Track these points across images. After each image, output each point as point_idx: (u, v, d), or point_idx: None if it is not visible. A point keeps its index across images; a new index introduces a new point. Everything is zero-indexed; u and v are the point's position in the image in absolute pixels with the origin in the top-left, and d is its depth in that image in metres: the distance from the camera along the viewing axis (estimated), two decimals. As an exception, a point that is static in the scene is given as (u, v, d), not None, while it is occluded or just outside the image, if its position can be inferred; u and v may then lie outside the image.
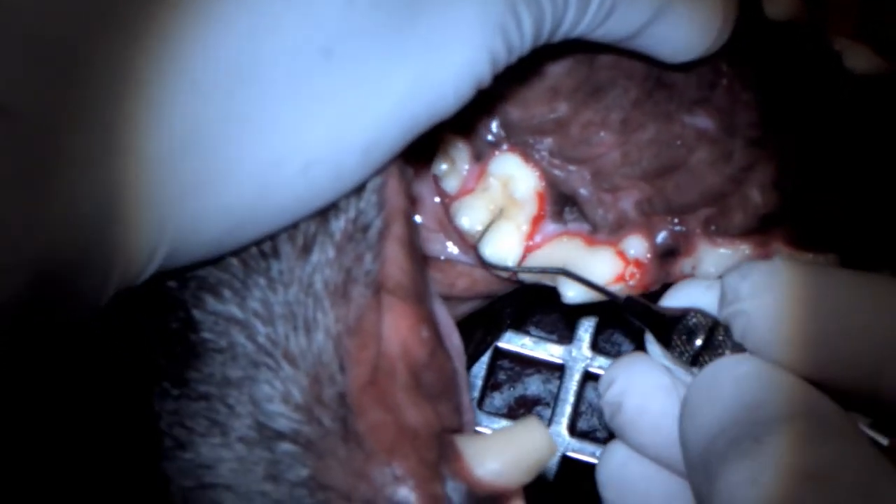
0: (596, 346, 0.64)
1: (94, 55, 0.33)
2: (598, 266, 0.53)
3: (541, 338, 0.65)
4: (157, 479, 0.42)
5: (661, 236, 0.53)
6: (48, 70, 0.33)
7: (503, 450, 0.43)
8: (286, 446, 0.41)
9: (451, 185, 0.55)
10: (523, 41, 0.41)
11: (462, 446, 0.43)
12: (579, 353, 0.63)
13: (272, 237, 0.41)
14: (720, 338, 0.44)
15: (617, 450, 0.47)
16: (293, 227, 0.41)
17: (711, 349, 0.44)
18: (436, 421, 0.43)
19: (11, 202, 0.32)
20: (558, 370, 0.66)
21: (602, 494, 0.47)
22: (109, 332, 0.40)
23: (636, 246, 0.53)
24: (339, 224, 0.43)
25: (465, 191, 0.56)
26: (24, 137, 0.32)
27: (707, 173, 0.53)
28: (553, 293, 0.55)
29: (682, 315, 0.45)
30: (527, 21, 0.40)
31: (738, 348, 0.43)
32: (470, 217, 0.55)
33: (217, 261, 0.41)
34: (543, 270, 0.53)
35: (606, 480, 0.47)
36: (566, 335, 0.69)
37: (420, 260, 0.47)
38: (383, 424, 0.42)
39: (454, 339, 0.48)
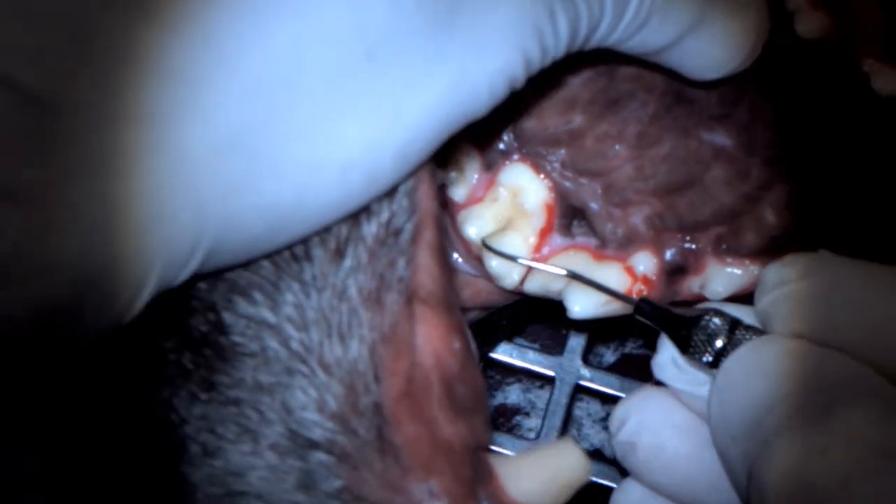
0: (585, 359, 0.65)
1: (139, 52, 0.33)
2: (604, 280, 0.53)
3: (525, 347, 0.66)
4: (181, 485, 0.41)
5: (671, 253, 0.53)
6: (89, 64, 0.32)
7: (539, 471, 0.43)
8: (320, 456, 0.41)
9: (459, 193, 0.55)
10: (558, 44, 0.41)
11: (496, 465, 0.43)
12: (570, 365, 0.63)
13: (304, 240, 0.41)
14: (743, 337, 0.42)
15: (632, 488, 0.47)
16: (325, 230, 0.41)
17: (734, 349, 0.42)
18: (470, 437, 0.43)
19: (51, 203, 0.32)
20: (539, 379, 0.67)
21: None
22: (133, 332, 0.38)
23: (645, 262, 0.53)
24: (371, 228, 0.42)
25: (473, 200, 0.55)
26: (63, 133, 0.32)
27: (722, 191, 0.53)
28: (547, 305, 0.55)
29: (699, 316, 0.44)
30: (563, 24, 0.40)
31: None
32: (477, 227, 0.55)
33: (248, 263, 0.41)
34: (551, 271, 0.53)
35: None
36: (549, 344, 0.69)
37: (450, 266, 0.46)
38: (420, 438, 0.41)
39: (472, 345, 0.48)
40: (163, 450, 0.42)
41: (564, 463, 0.42)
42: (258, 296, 0.41)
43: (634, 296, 0.53)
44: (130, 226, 0.33)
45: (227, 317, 0.41)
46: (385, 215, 0.43)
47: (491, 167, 0.55)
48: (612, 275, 0.54)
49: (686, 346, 0.44)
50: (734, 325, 0.43)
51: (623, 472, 0.49)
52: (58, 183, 0.32)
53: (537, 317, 0.64)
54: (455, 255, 0.56)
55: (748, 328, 0.42)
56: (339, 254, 0.42)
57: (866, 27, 0.50)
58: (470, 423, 0.43)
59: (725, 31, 0.47)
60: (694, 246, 0.53)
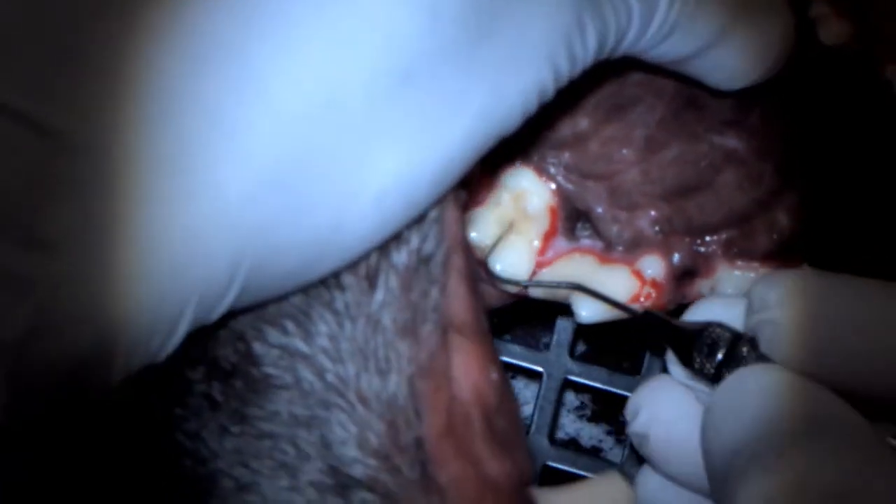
0: (572, 353, 0.65)
1: (170, 90, 0.32)
2: (613, 285, 0.53)
3: (504, 341, 0.66)
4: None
5: (679, 256, 0.54)
6: (116, 104, 0.32)
7: None
8: (363, 495, 0.40)
9: (461, 196, 0.54)
10: (586, 55, 0.41)
11: (544, 501, 0.43)
12: (558, 360, 0.64)
13: None
14: (743, 351, 0.43)
15: (651, 477, 0.47)
16: None
17: (734, 363, 0.43)
18: (515, 473, 0.43)
19: (84, 250, 0.31)
20: (520, 371, 0.67)
21: None
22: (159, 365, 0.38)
23: (653, 265, 0.53)
24: (401, 257, 0.42)
25: (475, 203, 0.55)
26: (95, 177, 0.31)
27: (733, 196, 0.53)
28: (531, 303, 0.55)
29: (701, 329, 0.44)
30: (591, 35, 0.40)
31: (763, 361, 0.42)
32: (479, 231, 0.54)
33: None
34: (557, 285, 0.53)
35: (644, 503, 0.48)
36: (520, 335, 0.70)
37: (479, 292, 0.46)
38: (465, 476, 0.41)
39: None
40: (190, 484, 0.41)
41: (612, 497, 0.43)
42: (290, 325, 0.41)
43: (643, 299, 0.53)
44: (164, 267, 0.33)
45: (258, 347, 0.41)
46: (415, 242, 0.42)
47: (493, 170, 0.55)
48: (620, 278, 0.54)
49: (689, 359, 0.44)
50: (736, 338, 0.43)
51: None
52: (90, 229, 0.31)
53: (513, 309, 0.65)
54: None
55: (750, 342, 0.43)
56: (371, 283, 0.41)
57: (888, 34, 0.51)
58: (513, 457, 0.43)
59: (751, 43, 0.47)
60: (703, 249, 0.54)
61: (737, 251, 0.53)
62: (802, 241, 0.53)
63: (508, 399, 0.45)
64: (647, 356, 0.64)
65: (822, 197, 0.53)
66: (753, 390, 0.41)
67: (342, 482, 0.40)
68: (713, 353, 0.43)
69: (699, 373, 0.44)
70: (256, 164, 0.34)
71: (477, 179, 0.55)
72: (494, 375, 0.44)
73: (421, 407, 0.41)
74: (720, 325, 0.44)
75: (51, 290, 0.31)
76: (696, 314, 0.47)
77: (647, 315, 0.48)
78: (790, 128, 0.53)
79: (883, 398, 0.40)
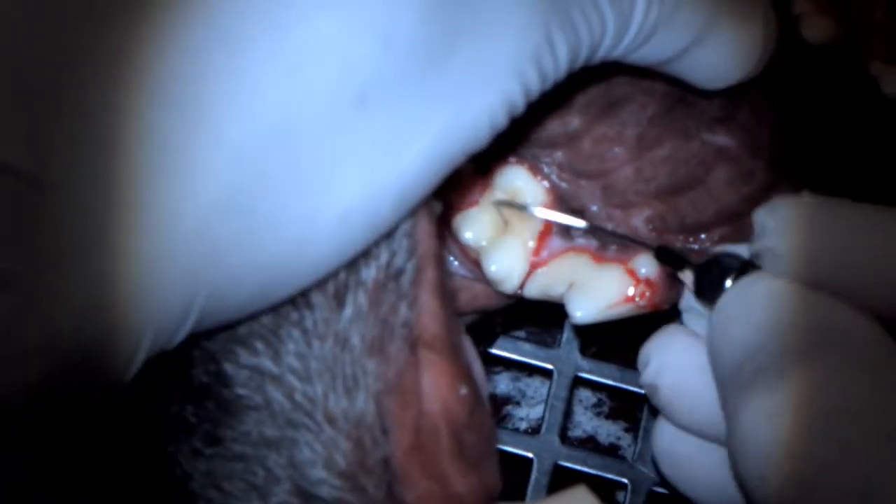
0: (585, 350, 0.66)
1: (119, 123, 0.33)
2: (607, 284, 0.54)
3: (516, 338, 0.67)
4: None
5: (674, 255, 0.55)
6: (69, 139, 0.33)
7: None
8: None
9: (453, 196, 0.56)
10: (558, 68, 0.41)
11: None
12: (568, 357, 0.65)
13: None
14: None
15: (664, 429, 0.49)
16: None
17: None
18: (481, 489, 0.44)
19: (42, 284, 0.32)
20: (527, 368, 0.69)
21: (659, 468, 0.50)
22: (133, 386, 0.40)
23: (647, 264, 0.54)
24: (370, 272, 0.43)
25: (469, 203, 0.56)
26: (50, 211, 0.32)
27: (725, 193, 0.54)
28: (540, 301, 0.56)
29: (712, 259, 0.46)
30: (562, 48, 0.40)
31: None
32: (474, 231, 0.56)
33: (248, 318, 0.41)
34: (565, 221, 0.54)
35: (660, 456, 0.49)
36: (535, 331, 0.71)
37: (453, 306, 0.47)
38: (431, 495, 0.43)
39: (479, 374, 0.49)
40: (172, 504, 0.43)
41: (579, 512, 0.44)
42: (259, 345, 0.42)
43: (637, 299, 0.54)
44: (122, 298, 0.34)
45: (229, 367, 0.42)
46: (384, 258, 0.43)
47: (486, 169, 0.56)
48: (614, 277, 0.55)
49: (699, 288, 0.46)
50: (744, 266, 0.45)
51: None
52: (48, 262, 0.32)
53: (524, 305, 0.66)
54: (451, 259, 0.57)
55: (758, 270, 0.44)
56: (340, 300, 0.42)
57: (874, 30, 0.51)
58: (480, 474, 0.44)
59: (733, 42, 0.47)
60: (697, 247, 0.54)
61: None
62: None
63: (480, 414, 0.46)
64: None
65: (812, 192, 0.53)
66: (760, 297, 0.42)
67: (310, 503, 0.42)
68: (722, 280, 0.45)
69: (709, 301, 0.46)
70: (208, 193, 0.35)
71: (470, 179, 0.56)
72: (464, 391, 0.44)
73: (388, 425, 0.42)
74: (730, 255, 0.46)
75: (12, 321, 0.32)
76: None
77: (661, 249, 0.51)
78: (780, 124, 0.54)
79: (884, 317, 0.40)
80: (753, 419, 0.38)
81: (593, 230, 0.54)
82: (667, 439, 0.49)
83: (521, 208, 0.55)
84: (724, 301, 0.44)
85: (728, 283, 0.45)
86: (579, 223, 0.54)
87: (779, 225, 0.42)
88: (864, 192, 0.51)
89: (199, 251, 0.35)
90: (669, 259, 0.51)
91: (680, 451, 0.49)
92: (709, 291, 0.46)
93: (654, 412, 0.53)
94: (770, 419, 0.38)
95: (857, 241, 0.41)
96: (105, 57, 0.34)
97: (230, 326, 0.41)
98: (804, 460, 0.37)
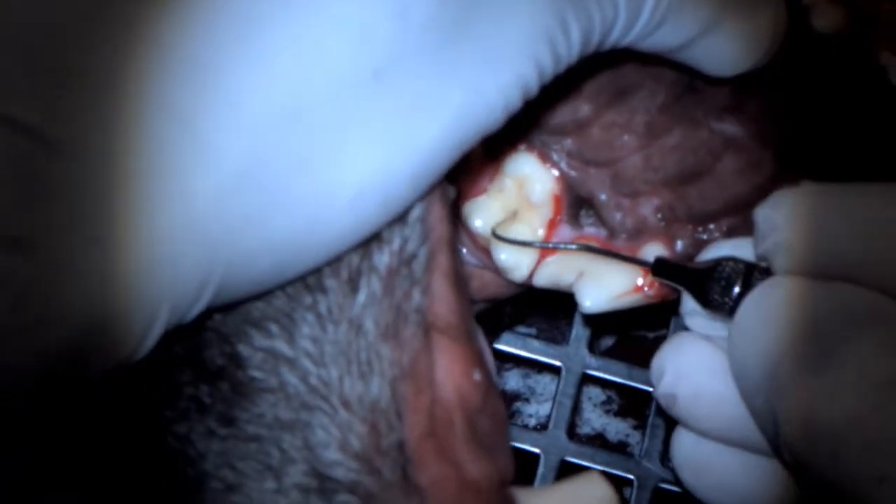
0: (592, 348, 0.69)
1: (137, 93, 0.35)
2: (615, 274, 0.56)
3: (525, 335, 0.69)
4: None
5: (682, 244, 0.56)
6: (87, 106, 0.34)
7: None
8: (345, 497, 0.43)
9: (464, 184, 0.57)
10: (571, 51, 0.43)
11: (524, 500, 0.46)
12: (576, 354, 0.67)
13: (316, 269, 0.43)
14: (759, 281, 0.45)
15: (684, 437, 0.50)
16: (337, 259, 0.43)
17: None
18: (495, 474, 0.46)
19: (56, 250, 0.34)
20: (536, 365, 0.71)
21: (680, 477, 0.50)
22: (145, 366, 0.42)
23: (656, 253, 0.55)
24: (383, 258, 0.44)
25: (479, 191, 0.58)
26: (66, 177, 0.34)
27: (734, 182, 0.56)
28: (551, 294, 0.58)
29: (713, 266, 0.47)
30: (575, 31, 0.42)
31: None
32: (484, 219, 0.57)
33: (261, 294, 0.43)
34: (563, 248, 0.56)
35: (680, 464, 0.50)
36: (545, 328, 0.73)
37: (466, 292, 0.49)
38: (446, 479, 0.44)
39: (490, 363, 0.52)
40: (180, 485, 0.45)
41: (592, 496, 0.46)
42: (274, 328, 0.43)
43: (646, 289, 0.56)
44: (136, 269, 0.35)
45: (243, 349, 0.44)
46: (397, 243, 0.44)
47: (496, 156, 0.58)
48: (622, 267, 0.56)
49: (706, 299, 0.47)
50: (749, 270, 0.46)
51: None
52: (62, 229, 0.34)
53: (534, 301, 0.68)
54: (461, 248, 0.59)
55: (764, 271, 0.46)
56: (353, 285, 0.44)
57: (883, 20, 0.54)
58: (494, 458, 0.46)
59: (742, 30, 0.49)
60: (706, 236, 0.56)
61: (738, 237, 0.55)
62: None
63: (493, 400, 0.47)
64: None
65: (821, 181, 0.55)
66: (781, 298, 0.43)
67: (325, 485, 0.43)
68: (729, 287, 0.46)
69: (719, 309, 0.47)
70: (224, 168, 0.36)
71: (479, 167, 0.58)
72: (478, 376, 0.46)
73: (403, 409, 0.44)
74: (731, 259, 0.47)
75: (24, 288, 0.33)
76: (708, 252, 0.50)
77: (659, 262, 0.52)
78: (788, 114, 0.55)
79: None
80: (812, 404, 0.39)
81: (586, 249, 0.56)
82: (687, 447, 0.50)
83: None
84: (743, 312, 0.45)
85: (736, 289, 0.46)
86: (570, 247, 0.56)
87: (786, 218, 0.44)
88: (871, 180, 0.53)
89: (215, 225, 0.37)
90: (667, 273, 0.51)
91: (701, 457, 0.50)
92: (717, 300, 0.47)
93: (663, 411, 0.55)
94: (833, 397, 0.39)
95: (867, 222, 0.43)
96: (122, 28, 0.35)
97: (242, 303, 0.43)
98: (874, 430, 0.38)
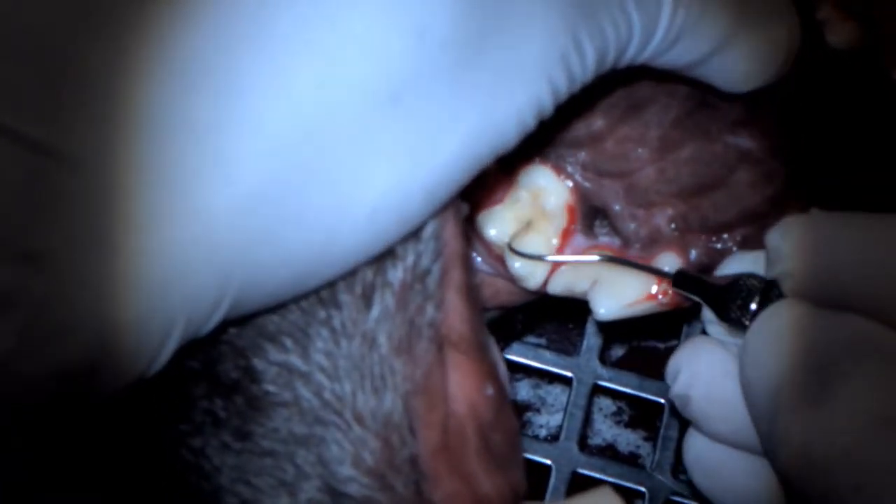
0: (603, 359, 0.69)
1: (157, 107, 0.36)
2: (629, 282, 0.57)
3: (536, 345, 0.70)
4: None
5: (696, 253, 0.57)
6: (104, 121, 0.35)
7: None
8: None
9: (479, 194, 0.58)
10: (585, 71, 0.43)
11: None
12: (587, 365, 0.68)
13: (330, 285, 0.44)
14: (777, 298, 0.46)
15: (696, 439, 0.51)
16: (351, 274, 0.44)
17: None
18: (508, 490, 0.46)
19: (72, 265, 0.34)
20: (549, 375, 0.72)
21: (692, 478, 0.51)
22: (161, 380, 0.42)
23: (670, 263, 0.56)
24: (397, 273, 0.45)
25: (494, 201, 0.59)
26: (82, 192, 0.34)
27: (747, 194, 0.56)
28: (556, 300, 0.59)
29: (733, 281, 0.48)
30: (589, 51, 0.43)
31: None
32: (498, 229, 0.58)
33: (275, 308, 0.44)
34: (585, 261, 0.57)
35: (692, 466, 0.51)
36: (556, 339, 0.74)
37: (480, 306, 0.49)
38: (459, 494, 0.45)
39: (503, 375, 0.52)
40: (195, 499, 0.46)
41: (604, 513, 0.47)
42: (288, 342, 0.44)
43: (660, 297, 0.57)
44: (151, 284, 0.36)
45: (258, 363, 0.44)
46: (410, 259, 0.45)
47: (511, 169, 0.58)
48: (636, 275, 0.57)
49: (725, 313, 0.48)
50: (768, 286, 0.47)
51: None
52: (77, 244, 0.34)
53: (544, 312, 0.69)
54: (475, 256, 0.59)
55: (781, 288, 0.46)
56: (367, 300, 0.44)
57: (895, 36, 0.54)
58: (506, 473, 0.46)
59: (756, 47, 0.49)
60: (720, 246, 0.57)
61: (752, 248, 0.56)
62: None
63: (505, 414, 0.48)
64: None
65: (832, 195, 0.56)
66: (787, 325, 0.44)
67: (338, 501, 0.44)
68: (747, 304, 0.47)
69: (736, 325, 0.48)
70: (243, 184, 0.37)
71: (494, 178, 0.59)
72: (490, 391, 0.47)
73: (416, 424, 0.45)
74: (751, 276, 0.48)
75: (38, 304, 0.34)
76: (727, 269, 0.51)
77: (679, 274, 0.53)
78: (801, 128, 0.56)
79: None
80: (808, 437, 0.40)
81: (610, 259, 0.57)
82: (698, 449, 0.51)
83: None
84: (750, 336, 0.46)
85: (754, 305, 0.47)
86: (592, 258, 0.57)
87: (793, 248, 0.45)
88: (886, 196, 0.54)
89: (232, 240, 0.37)
90: (687, 285, 0.52)
91: (712, 460, 0.51)
92: (735, 316, 0.48)
93: (675, 420, 0.56)
94: (824, 432, 0.40)
95: (872, 254, 0.43)
96: (138, 43, 0.36)
97: (257, 316, 0.44)
98: (865, 468, 0.39)
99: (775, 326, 0.45)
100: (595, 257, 0.57)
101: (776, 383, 0.43)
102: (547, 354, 0.68)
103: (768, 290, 0.47)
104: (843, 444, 0.39)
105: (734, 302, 0.48)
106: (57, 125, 0.34)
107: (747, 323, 0.47)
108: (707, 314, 0.51)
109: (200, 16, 0.36)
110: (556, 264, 0.58)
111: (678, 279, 0.52)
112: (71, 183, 0.34)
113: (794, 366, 0.42)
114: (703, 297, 0.50)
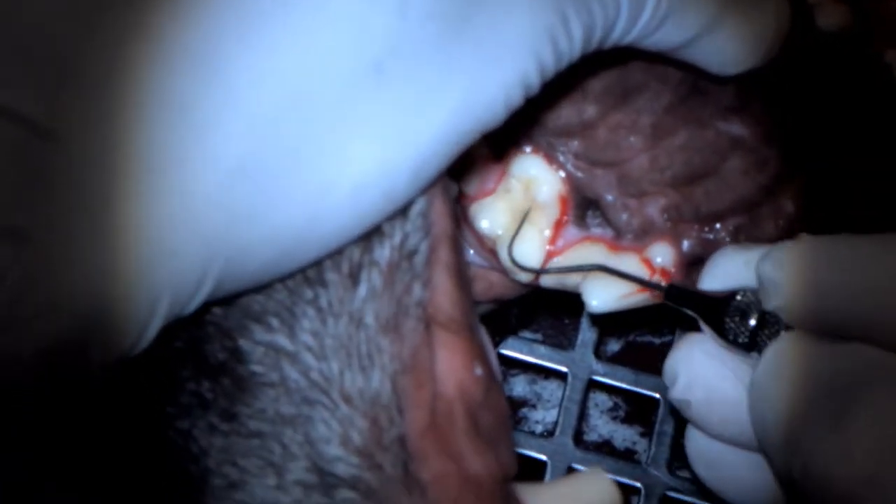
0: (599, 353, 0.70)
1: (139, 85, 0.36)
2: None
3: (531, 340, 0.70)
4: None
5: (689, 244, 0.57)
6: (89, 99, 0.35)
7: (569, 502, 0.47)
8: (346, 493, 0.44)
9: (470, 185, 0.58)
10: (572, 48, 0.43)
11: (526, 497, 0.47)
12: (582, 360, 0.68)
13: (316, 264, 0.44)
14: (774, 318, 0.46)
15: (697, 439, 0.51)
16: (338, 253, 0.44)
17: (768, 327, 0.46)
18: (497, 469, 0.47)
19: (56, 241, 0.35)
20: (545, 370, 0.72)
21: (694, 470, 0.52)
22: (149, 362, 0.42)
23: (663, 253, 0.57)
24: (384, 252, 0.45)
25: (485, 192, 0.59)
26: (66, 169, 0.35)
27: (740, 182, 0.57)
28: (552, 295, 0.59)
29: (730, 296, 0.48)
30: (576, 28, 0.43)
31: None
32: (490, 220, 0.59)
33: (261, 288, 0.44)
34: (577, 269, 0.57)
35: (694, 459, 0.52)
36: (552, 334, 0.74)
37: (468, 287, 0.50)
38: (447, 474, 0.45)
39: (493, 358, 0.53)
40: (183, 482, 0.46)
41: (595, 493, 0.47)
42: (274, 322, 0.44)
43: (653, 286, 0.57)
44: (136, 262, 0.36)
45: (244, 344, 0.44)
46: (398, 238, 0.45)
47: (502, 158, 0.59)
48: (630, 266, 0.57)
49: (721, 329, 0.48)
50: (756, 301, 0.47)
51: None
52: (62, 221, 0.34)
53: (541, 307, 0.69)
54: (468, 248, 0.60)
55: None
56: (354, 279, 0.44)
57: (887, 18, 0.55)
58: (497, 453, 0.46)
59: (745, 28, 0.49)
60: (712, 236, 0.57)
61: (745, 238, 0.57)
62: (806, 227, 0.56)
63: (494, 394, 0.48)
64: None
65: (825, 182, 0.56)
66: (793, 359, 0.44)
67: (326, 480, 0.44)
68: (745, 320, 0.47)
69: (734, 342, 0.48)
70: (226, 161, 0.37)
71: (486, 168, 0.59)
72: (479, 371, 0.47)
73: (404, 404, 0.45)
74: (747, 291, 0.48)
75: (23, 280, 0.34)
76: (715, 274, 0.51)
77: (672, 288, 0.52)
78: (793, 113, 0.56)
79: None
80: (829, 460, 0.41)
81: (605, 270, 0.57)
82: (699, 443, 0.51)
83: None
84: (759, 370, 0.46)
85: (752, 321, 0.47)
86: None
87: (787, 280, 0.45)
88: (877, 181, 0.54)
89: (215, 218, 0.38)
90: (681, 299, 0.52)
91: (713, 453, 0.51)
92: (734, 334, 0.48)
93: (671, 416, 0.56)
94: (846, 458, 0.40)
95: (866, 280, 0.43)
96: (123, 20, 0.36)
97: (243, 296, 0.44)
98: (890, 489, 0.39)
99: (781, 362, 0.45)
100: (586, 266, 0.58)
101: (789, 414, 0.43)
102: (542, 349, 0.69)
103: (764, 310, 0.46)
104: (866, 472, 0.39)
105: (732, 318, 0.48)
106: (45, 103, 0.34)
107: (746, 340, 0.47)
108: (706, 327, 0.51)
109: None
110: (548, 257, 0.59)
111: (670, 293, 0.52)
112: (57, 160, 0.34)
113: (805, 396, 0.43)
114: (698, 312, 0.50)
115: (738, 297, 0.47)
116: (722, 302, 0.48)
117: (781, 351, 0.45)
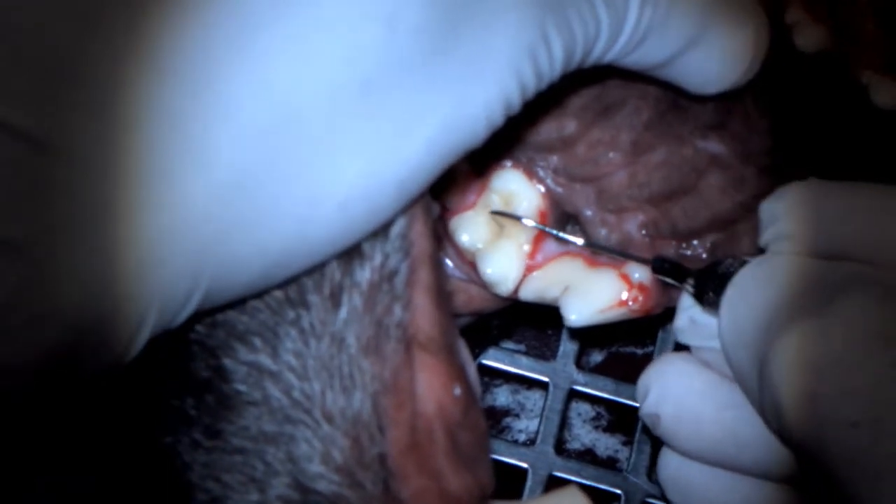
0: (581, 364, 0.72)
1: (133, 99, 0.37)
2: (600, 288, 0.59)
3: (513, 351, 0.72)
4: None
5: (666, 260, 0.60)
6: (82, 110, 0.36)
7: None
8: None
9: (451, 199, 0.60)
10: (553, 66, 0.45)
11: None
12: (563, 370, 0.70)
13: (298, 285, 0.46)
14: None
15: (669, 458, 0.53)
16: (320, 275, 0.46)
17: None
18: (475, 487, 0.48)
19: (48, 252, 0.36)
20: (527, 380, 0.74)
21: (667, 496, 0.53)
22: (134, 378, 0.44)
23: (640, 269, 0.59)
24: (364, 273, 0.47)
25: (466, 206, 0.61)
26: (60, 181, 0.36)
27: (717, 199, 0.59)
28: (535, 307, 0.61)
29: (713, 264, 0.51)
30: (557, 46, 0.44)
31: None
32: (470, 234, 0.60)
33: (245, 307, 0.46)
34: (569, 241, 0.60)
35: (667, 484, 0.53)
36: (535, 345, 0.76)
37: (448, 307, 0.52)
38: (427, 492, 0.47)
39: (472, 376, 0.55)
40: (166, 497, 0.48)
41: (571, 512, 0.49)
42: (257, 342, 0.46)
43: (630, 303, 0.59)
44: (127, 273, 0.37)
45: (228, 363, 0.46)
46: (378, 259, 0.47)
47: (482, 173, 0.61)
48: (608, 281, 0.59)
49: (702, 296, 0.51)
50: (745, 265, 0.49)
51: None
52: (55, 232, 0.36)
53: (523, 318, 0.71)
54: (447, 261, 0.62)
55: None
56: (335, 301, 0.46)
57: (865, 40, 0.57)
58: (475, 472, 0.48)
59: (724, 48, 0.51)
60: (689, 253, 0.59)
61: (721, 255, 0.58)
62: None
63: (474, 414, 0.50)
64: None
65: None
66: (782, 265, 0.46)
67: (308, 497, 0.46)
68: (725, 283, 0.49)
69: (712, 305, 0.50)
70: (217, 173, 0.38)
71: (466, 183, 0.61)
72: (458, 391, 0.49)
73: (384, 423, 0.46)
74: (729, 258, 0.50)
75: (16, 290, 0.35)
76: None
77: (658, 259, 0.55)
78: (771, 132, 0.58)
79: None
80: (803, 344, 0.42)
81: (590, 246, 0.59)
82: (672, 467, 0.53)
83: (516, 218, 0.60)
84: (740, 277, 0.48)
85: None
86: (577, 241, 0.59)
87: (787, 209, 0.47)
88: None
89: (205, 230, 0.39)
90: (667, 270, 0.55)
91: (686, 478, 0.53)
92: (713, 297, 0.50)
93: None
94: (821, 340, 0.42)
95: (864, 214, 0.46)
96: (120, 33, 0.37)
97: (226, 309, 0.46)
98: (859, 377, 0.41)
99: (768, 266, 0.47)
100: (579, 240, 0.60)
101: (772, 308, 0.45)
102: (524, 360, 0.71)
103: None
104: (841, 356, 0.41)
105: (712, 282, 0.50)
106: (40, 115, 0.35)
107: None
108: (678, 323, 0.53)
109: (177, 6, 0.38)
110: (528, 270, 0.61)
111: (657, 264, 0.55)
112: (52, 172, 0.36)
113: (794, 291, 0.44)
114: (681, 280, 0.52)
115: (720, 265, 0.50)
116: (705, 270, 0.51)
117: (767, 259, 0.47)
